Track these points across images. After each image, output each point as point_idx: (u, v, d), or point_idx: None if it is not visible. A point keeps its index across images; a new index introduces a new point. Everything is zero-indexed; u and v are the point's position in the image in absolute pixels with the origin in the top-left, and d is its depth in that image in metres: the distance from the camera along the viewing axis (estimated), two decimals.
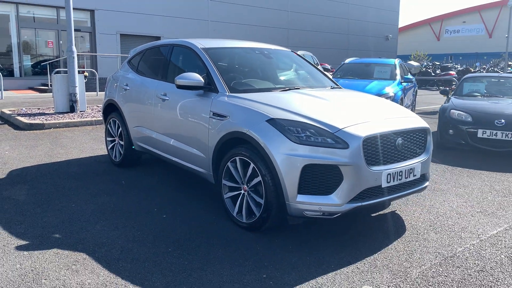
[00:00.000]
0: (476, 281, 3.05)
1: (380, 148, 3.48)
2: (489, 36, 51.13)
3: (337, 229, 3.87)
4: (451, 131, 7.03)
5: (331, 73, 12.13)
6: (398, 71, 10.21)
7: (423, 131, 3.92)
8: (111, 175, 5.45)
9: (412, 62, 14.88)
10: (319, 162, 3.32)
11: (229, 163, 3.83)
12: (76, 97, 10.19)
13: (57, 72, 13.22)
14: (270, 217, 3.56)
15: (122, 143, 5.70)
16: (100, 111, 10.12)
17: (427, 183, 4.02)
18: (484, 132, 6.67)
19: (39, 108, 10.77)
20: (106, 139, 6.15)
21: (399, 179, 3.61)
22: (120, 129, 5.70)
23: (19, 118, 8.99)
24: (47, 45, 20.01)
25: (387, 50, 34.66)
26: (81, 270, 3.05)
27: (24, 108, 10.65)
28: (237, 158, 3.75)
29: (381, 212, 4.34)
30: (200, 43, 4.76)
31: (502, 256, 3.44)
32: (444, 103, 7.93)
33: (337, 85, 5.04)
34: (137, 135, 5.41)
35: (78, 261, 3.17)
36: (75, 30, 11.06)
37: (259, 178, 3.55)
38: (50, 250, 3.34)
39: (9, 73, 18.49)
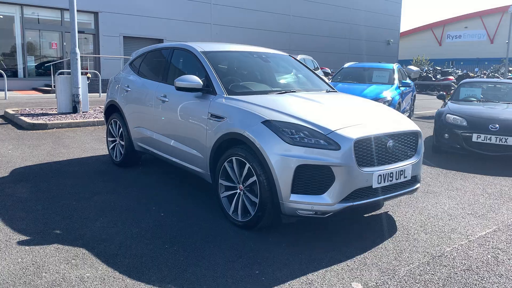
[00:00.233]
0: (461, 279, 3.15)
1: (371, 150, 3.60)
2: (491, 41, 51.17)
3: (330, 229, 3.98)
4: (446, 135, 7.14)
5: (330, 77, 12.24)
6: (396, 76, 10.32)
7: (414, 134, 4.03)
8: (112, 174, 5.57)
9: (412, 67, 14.98)
10: (312, 163, 3.44)
11: (225, 163, 3.95)
12: (78, 98, 10.34)
13: (61, 73, 13.39)
14: (265, 216, 3.68)
15: (122, 143, 5.83)
16: (102, 112, 10.26)
17: (418, 185, 4.13)
18: (479, 137, 6.78)
19: (42, 109, 10.91)
20: (107, 139, 6.28)
21: (390, 180, 3.72)
22: (121, 129, 5.83)
23: (23, 118, 9.13)
24: (51, 46, 20.19)
25: (388, 54, 34.80)
26: (80, 264, 3.16)
27: (27, 108, 10.80)
28: (233, 158, 3.87)
29: (373, 213, 4.45)
30: (200, 47, 4.89)
31: (489, 256, 3.54)
32: (441, 107, 8.04)
33: (333, 88, 5.16)
34: (137, 136, 5.54)
35: (77, 256, 3.29)
36: (79, 32, 11.21)
37: (254, 178, 3.67)
38: (50, 245, 3.46)
39: (13, 74, 18.67)
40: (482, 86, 8.78)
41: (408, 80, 11.33)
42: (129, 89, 5.70)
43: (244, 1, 25.21)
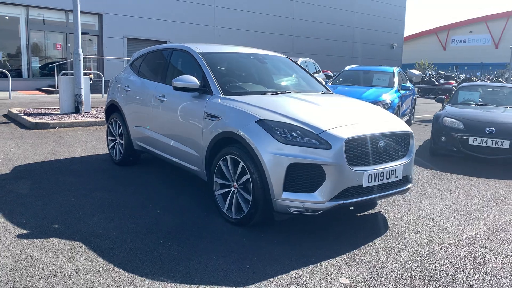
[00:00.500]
0: (447, 276, 3.22)
1: (362, 150, 3.68)
2: (496, 46, 51.14)
3: (321, 227, 4.07)
4: (443, 138, 7.20)
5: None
6: (396, 79, 10.40)
7: (405, 135, 4.11)
8: (111, 173, 5.68)
9: (414, 71, 15.06)
10: (303, 161, 3.52)
11: (220, 162, 4.04)
12: (81, 98, 10.47)
13: (64, 74, 13.54)
14: (257, 213, 3.76)
15: (122, 142, 5.93)
16: (103, 112, 10.38)
17: (410, 185, 4.20)
18: (475, 140, 6.84)
19: (45, 108, 11.06)
20: (107, 138, 6.39)
21: (381, 180, 3.80)
22: (121, 129, 5.94)
23: (26, 117, 9.26)
24: (55, 47, 20.41)
25: (392, 58, 34.85)
26: (76, 257, 3.26)
27: (30, 108, 10.94)
28: (228, 157, 3.96)
29: (366, 212, 4.53)
30: (198, 48, 4.99)
31: (476, 255, 3.61)
32: (439, 110, 8.10)
33: (328, 90, 5.25)
34: (136, 135, 5.64)
35: (74, 249, 3.39)
36: (83, 33, 11.38)
37: (248, 176, 3.76)
38: (48, 238, 3.56)
39: (18, 74, 18.88)
40: (481, 90, 8.84)
41: (408, 84, 11.39)
42: (129, 89, 5.81)
43: (247, 4, 25.37)
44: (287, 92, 4.71)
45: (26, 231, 3.69)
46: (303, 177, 3.56)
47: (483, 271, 3.33)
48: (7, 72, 14.34)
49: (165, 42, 21.62)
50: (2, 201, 4.41)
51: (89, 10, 19.23)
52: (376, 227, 4.17)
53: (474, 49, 52.04)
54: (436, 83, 24.64)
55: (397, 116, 9.52)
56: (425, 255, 3.56)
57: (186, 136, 4.60)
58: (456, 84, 20.15)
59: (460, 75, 31.85)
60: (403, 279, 3.15)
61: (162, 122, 5.06)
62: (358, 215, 4.47)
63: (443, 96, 9.75)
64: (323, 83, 5.50)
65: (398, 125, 4.14)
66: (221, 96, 4.33)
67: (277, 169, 3.56)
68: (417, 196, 5.19)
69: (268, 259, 3.37)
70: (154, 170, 5.91)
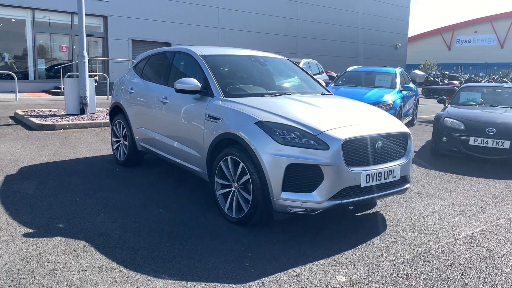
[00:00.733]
0: (443, 274, 3.28)
1: (359, 150, 3.75)
2: (501, 46, 50.93)
3: (321, 226, 4.14)
4: (444, 138, 7.25)
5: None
6: (398, 80, 10.45)
7: (403, 136, 4.17)
8: (115, 173, 5.78)
9: (417, 71, 15.09)
10: (302, 162, 3.60)
11: (221, 162, 4.13)
12: (86, 100, 10.60)
13: (70, 76, 13.70)
14: (257, 213, 3.84)
15: (126, 143, 6.03)
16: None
17: (408, 185, 4.26)
18: (476, 140, 6.88)
19: (51, 110, 11.20)
20: (111, 139, 6.49)
21: (379, 180, 3.86)
22: (125, 130, 6.04)
23: (31, 119, 9.40)
24: (61, 49, 20.61)
25: (396, 59, 34.82)
26: (80, 255, 3.35)
27: (36, 110, 11.09)
28: (228, 158, 4.05)
29: (365, 212, 4.59)
30: (200, 51, 5.08)
31: (473, 254, 3.67)
32: (441, 111, 8.15)
33: (328, 91, 5.32)
34: (140, 136, 5.74)
35: (78, 248, 3.48)
36: (88, 35, 11.53)
37: (248, 176, 3.84)
38: (53, 237, 3.66)
39: (24, 76, 19.09)
40: (482, 90, 8.87)
41: (411, 84, 11.43)
42: (133, 91, 5.91)
43: (251, 5, 25.46)
44: (287, 94, 4.79)
45: (32, 230, 3.79)
46: (301, 177, 3.63)
47: (478, 269, 3.39)
48: (13, 74, 14.52)
49: (169, 44, 21.78)
50: (9, 201, 4.52)
51: (94, 13, 19.42)
52: (374, 226, 4.23)
53: (479, 49, 51.83)
54: (440, 83, 24.61)
55: (400, 116, 9.60)
56: (422, 254, 3.62)
57: (188, 137, 4.69)
58: (459, 85, 20.13)
59: (465, 75, 31.78)
60: (399, 277, 3.22)
61: (165, 123, 5.15)
62: (357, 214, 4.53)
63: (445, 97, 9.76)
64: (323, 84, 5.57)
65: (396, 126, 4.20)
66: (222, 98, 4.41)
67: (276, 169, 3.64)
68: (416, 196, 5.25)
69: (268, 257, 3.45)
70: (157, 170, 6.00)
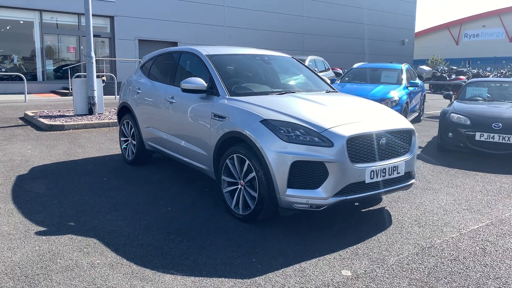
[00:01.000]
0: (447, 268, 3.33)
1: (364, 147, 3.80)
2: (510, 40, 50.46)
3: (326, 222, 4.19)
4: (450, 134, 7.26)
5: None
6: (404, 76, 10.45)
7: (407, 132, 4.21)
8: (124, 172, 5.88)
9: (424, 67, 15.05)
10: (307, 159, 3.65)
11: (227, 160, 4.20)
12: (94, 100, 10.73)
13: (78, 76, 13.85)
14: (263, 209, 3.91)
15: (134, 142, 6.13)
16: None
17: (412, 181, 4.30)
18: (482, 135, 6.89)
19: (59, 111, 11.34)
20: (120, 139, 6.59)
21: (383, 176, 3.91)
22: (133, 129, 6.13)
23: (41, 119, 9.54)
24: (68, 50, 20.82)
25: (403, 54, 34.65)
26: (91, 252, 3.44)
27: (45, 111, 11.24)
28: (234, 156, 4.11)
29: (370, 208, 4.64)
30: (205, 50, 5.15)
31: (477, 248, 3.71)
32: (447, 106, 8.15)
33: (333, 89, 5.37)
34: (148, 136, 5.83)
35: (89, 245, 3.57)
36: (95, 36, 11.64)
37: (254, 174, 3.90)
38: (65, 235, 3.75)
39: (33, 77, 19.31)
40: (488, 85, 8.84)
41: (417, 80, 11.41)
42: (140, 91, 6.00)
43: (257, 3, 25.49)
44: (292, 92, 4.85)
45: (44, 228, 3.89)
46: (306, 174, 3.69)
47: (482, 263, 3.43)
48: (22, 75, 14.70)
49: (176, 43, 21.90)
50: (21, 200, 4.63)
51: (100, 13, 19.58)
52: (380, 222, 4.28)
53: (487, 43, 51.40)
54: (448, 78, 24.49)
55: (406, 112, 9.60)
56: (426, 249, 3.66)
57: (195, 136, 4.76)
58: (466, 80, 20.03)
59: (473, 70, 31.56)
60: (404, 271, 3.27)
61: (172, 123, 5.23)
62: (362, 210, 4.58)
63: (451, 92, 9.74)
64: (328, 82, 5.62)
65: (400, 122, 4.24)
66: (227, 97, 4.48)
67: (281, 167, 3.70)
68: (422, 192, 5.28)
69: (274, 253, 3.51)
70: (165, 169, 6.09)
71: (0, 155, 6.71)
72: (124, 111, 6.46)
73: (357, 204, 4.66)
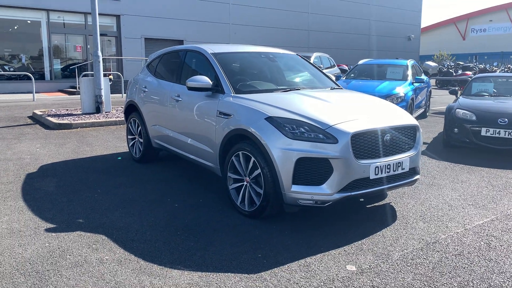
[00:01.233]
0: (451, 263, 3.36)
1: (368, 143, 3.83)
2: None
3: (331, 218, 4.23)
4: (456, 129, 7.25)
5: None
6: (410, 72, 10.43)
7: (412, 128, 4.23)
8: (131, 170, 5.95)
9: (430, 63, 15.00)
10: (311, 156, 3.69)
11: (233, 157, 4.24)
12: (101, 99, 10.82)
13: (85, 75, 13.96)
14: (269, 206, 3.95)
15: (141, 140, 6.20)
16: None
17: (417, 176, 4.32)
18: (488, 131, 6.87)
19: (67, 109, 11.46)
20: (127, 137, 6.66)
21: (387, 172, 3.94)
22: (140, 128, 6.20)
23: (49, 118, 9.65)
24: (75, 49, 20.96)
25: (409, 50, 34.49)
26: (100, 249, 3.51)
27: (53, 109, 11.36)
28: (240, 153, 4.16)
29: (375, 204, 4.67)
30: (210, 49, 5.19)
31: (482, 243, 3.73)
32: (453, 102, 8.13)
33: (338, 86, 5.39)
34: (154, 133, 5.89)
35: (98, 241, 3.64)
36: (101, 34, 11.73)
37: (259, 171, 3.95)
38: (74, 232, 3.82)
39: (41, 77, 19.47)
40: (495, 81, 8.80)
41: (423, 76, 11.40)
42: (146, 90, 6.06)
43: (262, 0, 25.46)
44: (297, 89, 4.88)
45: (54, 225, 3.97)
46: (311, 170, 3.72)
47: (487, 258, 3.45)
48: (30, 75, 14.85)
49: (182, 41, 21.97)
50: (31, 198, 4.71)
51: (107, 12, 19.70)
52: (384, 217, 4.31)
53: (495, 38, 50.98)
54: (454, 74, 24.35)
55: (412, 108, 9.60)
56: (431, 244, 3.69)
57: (201, 133, 4.82)
58: (472, 75, 19.92)
59: (479, 65, 31.33)
60: (408, 266, 3.30)
61: (178, 121, 5.28)
62: (367, 206, 4.61)
63: (457, 88, 9.71)
64: (333, 78, 5.64)
65: (404, 118, 4.26)
66: (232, 94, 4.52)
67: (286, 163, 3.74)
68: (427, 187, 5.30)
69: (279, 248, 3.56)
70: (172, 167, 6.15)
71: (10, 153, 6.81)
72: (131, 110, 6.53)
73: (362, 200, 4.69)
